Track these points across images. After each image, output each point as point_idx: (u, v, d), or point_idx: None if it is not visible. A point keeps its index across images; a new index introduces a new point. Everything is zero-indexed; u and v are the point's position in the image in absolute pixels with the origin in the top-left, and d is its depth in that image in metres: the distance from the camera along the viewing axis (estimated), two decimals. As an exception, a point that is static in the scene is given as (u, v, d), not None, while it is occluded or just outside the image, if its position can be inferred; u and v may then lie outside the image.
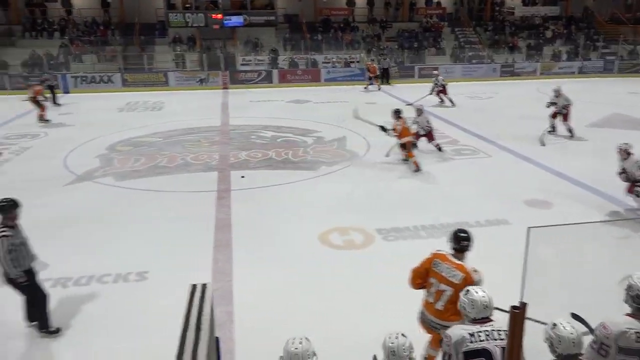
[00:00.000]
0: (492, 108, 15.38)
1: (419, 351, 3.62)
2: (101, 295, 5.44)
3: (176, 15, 22.12)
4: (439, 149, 10.79)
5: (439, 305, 3.89)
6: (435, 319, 3.91)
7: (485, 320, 3.12)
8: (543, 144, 11.27)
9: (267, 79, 21.74)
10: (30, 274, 4.66)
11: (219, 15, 22.27)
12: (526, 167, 9.76)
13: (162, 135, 12.62)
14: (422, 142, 10.89)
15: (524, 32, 26.22)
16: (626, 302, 2.90)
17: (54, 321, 4.84)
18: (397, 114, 9.95)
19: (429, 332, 4.02)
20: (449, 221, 7.14)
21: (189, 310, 3.48)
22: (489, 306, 3.10)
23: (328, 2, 25.78)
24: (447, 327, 3.38)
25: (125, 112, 16.10)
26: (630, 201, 7.50)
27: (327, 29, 25.03)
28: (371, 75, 20.23)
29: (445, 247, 6.59)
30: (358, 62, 23.03)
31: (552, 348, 2.67)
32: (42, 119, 14.03)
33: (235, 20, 22.56)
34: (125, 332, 4.77)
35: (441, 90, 16.02)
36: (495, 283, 3.77)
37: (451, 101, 15.89)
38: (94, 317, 5.05)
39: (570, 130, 11.91)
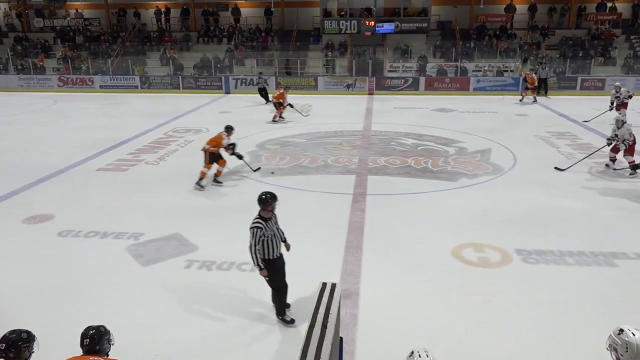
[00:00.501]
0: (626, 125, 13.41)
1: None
2: (238, 280, 5.89)
3: (331, 23, 23.02)
4: (633, 168, 9.49)
5: None
6: None
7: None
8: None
9: (414, 86, 21.58)
10: (276, 263, 4.95)
11: (372, 22, 22.66)
12: None
13: (307, 137, 13.24)
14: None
15: None
16: None
17: (190, 298, 5.37)
18: None
19: None
20: (602, 250, 6.42)
21: (317, 306, 3.61)
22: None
23: (485, 8, 24.70)
24: None
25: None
26: None
27: (482, 36, 24.02)
28: (529, 86, 18.83)
29: (593, 278, 5.93)
30: (512, 71, 21.73)
31: None
32: (274, 119, 15.44)
33: (387, 27, 22.75)
34: (253, 320, 5.10)
35: (624, 105, 14.14)
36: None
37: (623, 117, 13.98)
38: (229, 301, 5.49)
39: None
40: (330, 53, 24.26)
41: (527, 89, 18.88)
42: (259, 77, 19.90)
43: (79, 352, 3.22)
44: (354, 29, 22.90)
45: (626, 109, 13.89)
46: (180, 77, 22.99)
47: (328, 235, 7.03)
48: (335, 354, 3.55)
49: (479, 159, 10.87)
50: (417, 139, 12.80)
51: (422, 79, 21.66)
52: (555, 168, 10.00)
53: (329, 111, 17.46)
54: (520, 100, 18.87)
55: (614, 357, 2.89)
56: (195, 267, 6.21)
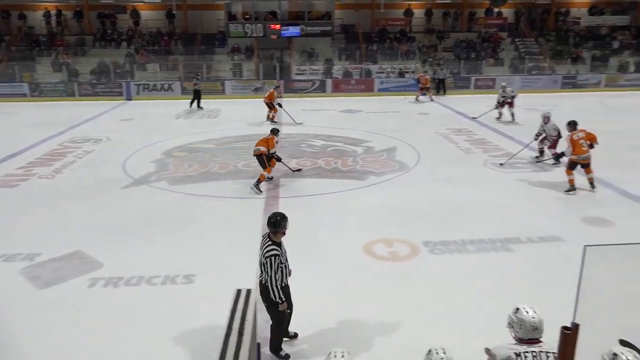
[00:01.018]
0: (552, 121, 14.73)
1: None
2: (148, 295, 5.62)
3: (236, 26, 22.74)
4: (556, 158, 10.25)
5: None
6: None
7: (535, 341, 3.01)
8: None
9: (321, 89, 21.94)
10: (286, 291, 4.53)
11: (277, 26, 22.72)
12: (586, 183, 9.28)
13: (216, 142, 12.98)
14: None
15: (589, 42, 25.10)
16: None
17: (96, 317, 5.05)
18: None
19: None
20: (499, 236, 6.93)
21: (232, 314, 3.55)
22: (539, 327, 2.98)
23: (385, 12, 25.74)
24: None
25: (183, 119, 16.69)
26: None
27: (383, 39, 24.99)
28: (422, 86, 20.03)
29: (491, 262, 6.40)
30: (412, 72, 22.83)
31: None
32: (270, 118, 15.48)
33: (293, 30, 22.92)
34: (168, 334, 4.89)
35: (509, 103, 15.32)
36: (545, 302, 3.60)
37: (512, 115, 15.19)
38: (138, 316, 5.22)
39: None
40: (236, 57, 23.98)
41: (421, 89, 20.04)
42: (196, 79, 19.06)
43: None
44: (260, 33, 22.80)
45: (512, 106, 15.15)
46: (75, 84, 21.49)
47: (242, 241, 6.92)
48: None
49: (385, 157, 11.27)
50: (327, 140, 13.02)
51: (328, 81, 22.08)
52: (500, 164, 10.52)
53: (238, 115, 17.24)
54: (416, 99, 19.92)
55: (512, 334, 3.12)
56: (100, 285, 5.84)
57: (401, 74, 22.77)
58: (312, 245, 6.81)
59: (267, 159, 9.18)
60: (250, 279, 5.84)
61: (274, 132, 9.66)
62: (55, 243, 6.87)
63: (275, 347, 4.56)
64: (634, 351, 2.54)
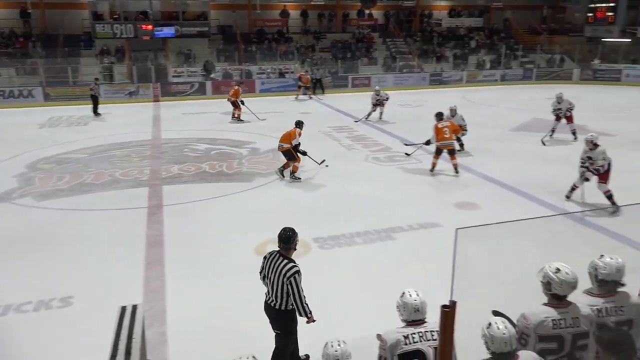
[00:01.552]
0: (422, 116, 15.83)
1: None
2: (19, 325, 5.05)
3: (103, 27, 21.28)
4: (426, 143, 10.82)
5: None
6: None
7: (420, 322, 3.18)
8: (544, 144, 12.26)
9: (201, 91, 21.36)
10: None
11: (149, 26, 21.67)
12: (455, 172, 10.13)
13: (89, 152, 12.04)
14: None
15: (450, 42, 27.41)
16: (543, 292, 3.06)
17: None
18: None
19: None
20: (383, 227, 7.28)
21: (117, 334, 3.30)
22: (421, 309, 3.16)
23: (262, 13, 25.80)
24: None
25: (48, 128, 15.25)
26: (551, 199, 7.98)
27: (262, 40, 25.01)
28: (301, 84, 20.47)
29: (378, 252, 6.71)
30: (292, 72, 23.15)
31: (487, 346, 2.76)
32: (236, 117, 15.56)
33: (167, 31, 22.04)
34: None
35: (381, 104, 15.96)
36: (428, 283, 3.85)
37: (381, 114, 15.87)
38: (11, 352, 4.68)
39: (574, 132, 12.60)
40: (106, 59, 22.42)
41: (300, 87, 20.48)
42: (94, 83, 17.41)
43: None
44: (131, 34, 21.60)
45: (383, 106, 15.76)
46: None
47: (125, 255, 6.51)
48: (144, 380, 3.31)
49: (271, 158, 11.30)
50: (210, 144, 12.72)
51: (208, 83, 21.57)
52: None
53: (112, 121, 16.17)
54: (296, 98, 20.29)
55: (400, 317, 3.30)
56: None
57: (281, 75, 22.97)
58: (201, 251, 6.61)
59: (294, 150, 9.52)
60: (137, 293, 5.52)
61: (299, 124, 9.81)
62: None
63: None
64: (505, 320, 2.80)
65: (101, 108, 17.35)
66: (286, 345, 4.15)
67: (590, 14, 29.71)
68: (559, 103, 12.75)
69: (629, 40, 26.50)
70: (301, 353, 4.39)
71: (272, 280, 4.04)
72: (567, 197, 8.28)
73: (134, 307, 3.64)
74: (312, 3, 27.41)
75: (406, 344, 3.08)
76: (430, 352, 3.05)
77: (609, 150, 7.94)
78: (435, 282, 3.86)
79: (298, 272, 4.02)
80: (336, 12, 27.53)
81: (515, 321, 2.99)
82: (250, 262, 6.27)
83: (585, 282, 3.19)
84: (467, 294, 2.50)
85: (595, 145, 7.84)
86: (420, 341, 3.09)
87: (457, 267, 2.19)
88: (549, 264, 3.03)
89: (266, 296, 4.15)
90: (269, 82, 22.37)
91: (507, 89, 23.41)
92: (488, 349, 2.75)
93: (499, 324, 2.73)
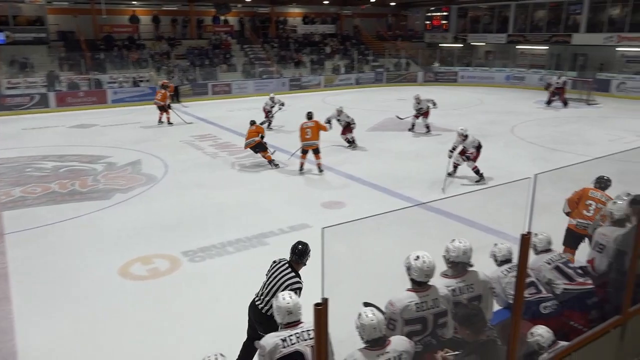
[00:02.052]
0: (285, 120, 16.14)
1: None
2: None
3: None
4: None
5: None
6: None
7: (295, 323, 3.22)
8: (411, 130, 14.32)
9: (43, 103, 19.28)
10: None
11: (-28, 33, 19.07)
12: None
13: None
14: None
15: (306, 48, 28.30)
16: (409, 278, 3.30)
17: None
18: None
19: None
20: (255, 233, 7.26)
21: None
22: (294, 311, 3.20)
23: (109, 19, 24.06)
24: None
25: None
26: (409, 193, 8.64)
27: (111, 47, 23.37)
28: (169, 93, 19.64)
29: (251, 259, 6.67)
30: (148, 80, 22.03)
31: (360, 336, 2.87)
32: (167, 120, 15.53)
33: (-5, 37, 19.60)
34: None
35: (268, 111, 15.50)
36: (306, 285, 3.93)
37: (270, 123, 15.66)
38: None
39: (427, 127, 14.18)
40: None
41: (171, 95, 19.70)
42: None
43: None
44: (-50, 40, 18.81)
45: (268, 116, 15.44)
46: None
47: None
48: None
49: (130, 172, 10.62)
50: (59, 161, 11.55)
51: (51, 95, 19.57)
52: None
53: None
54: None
55: (278, 321, 3.31)
56: None
57: (136, 83, 21.73)
58: (55, 280, 5.98)
59: (263, 143, 10.61)
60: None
61: (253, 123, 10.90)
62: None
63: None
64: (373, 308, 2.96)
65: None
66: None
67: (428, 22, 32.93)
68: (418, 103, 14.14)
69: (461, 45, 29.88)
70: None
71: (271, 285, 4.07)
72: (450, 175, 9.52)
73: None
74: (164, 8, 26.37)
75: (284, 347, 3.11)
76: (308, 351, 3.12)
77: (448, 144, 8.86)
78: (309, 282, 3.95)
79: (300, 289, 4.02)
80: (190, 18, 26.82)
81: (383, 309, 3.17)
82: (115, 287, 5.85)
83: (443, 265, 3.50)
84: (338, 290, 2.59)
85: (466, 137, 9.37)
86: (298, 342, 3.14)
87: (326, 265, 2.25)
88: (414, 252, 3.26)
89: (255, 297, 4.16)
90: (122, 92, 20.99)
91: (362, 91, 24.84)
92: (362, 338, 2.88)
93: (368, 312, 2.88)
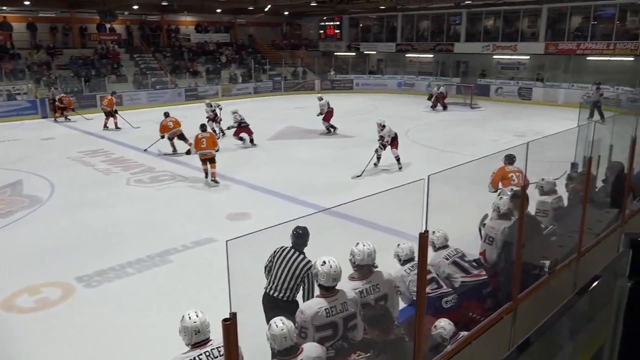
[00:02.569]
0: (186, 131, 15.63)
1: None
2: None
3: None
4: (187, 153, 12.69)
5: None
6: None
7: (204, 342, 3.10)
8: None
9: None
10: None
11: None
12: (223, 184, 10.26)
13: None
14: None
15: (201, 57, 27.67)
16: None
17: None
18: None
19: None
20: (157, 251, 6.92)
21: None
22: (202, 329, 3.09)
23: (-26, 25, 21.77)
24: None
25: None
26: (312, 199, 8.76)
27: (-23, 57, 21.12)
28: (62, 106, 18.67)
29: (154, 279, 6.36)
30: (25, 93, 20.19)
31: (271, 347, 2.84)
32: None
33: None
34: None
35: (213, 119, 14.79)
36: (210, 301, 3.79)
37: (219, 130, 14.85)
38: None
39: (331, 127, 15.22)
40: None
41: (59, 109, 18.69)
42: None
43: None
44: None
45: (216, 121, 14.84)
46: None
47: None
48: None
49: (10, 194, 9.64)
50: None
51: None
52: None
53: None
54: (56, 120, 18.57)
55: (183, 341, 3.16)
56: None
57: (12, 97, 19.82)
58: None
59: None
60: None
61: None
62: None
63: None
64: (283, 317, 2.94)
65: None
66: None
67: (322, 31, 33.77)
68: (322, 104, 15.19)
69: (355, 54, 31.00)
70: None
71: (282, 272, 3.97)
72: (375, 163, 10.88)
73: None
74: (41, 15, 24.35)
75: (190, 369, 2.99)
76: (220, 369, 3.02)
77: (349, 149, 9.10)
78: (218, 297, 3.83)
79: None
80: (72, 26, 25.01)
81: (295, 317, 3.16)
82: (-3, 322, 5.26)
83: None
84: (246, 303, 2.54)
85: (383, 127, 10.82)
86: (207, 360, 3.03)
87: (232, 279, 2.20)
88: (320, 258, 3.29)
89: (269, 290, 4.04)
90: (-4, 106, 19.05)
91: (261, 100, 24.79)
92: (273, 349, 2.85)
93: (277, 322, 2.86)
